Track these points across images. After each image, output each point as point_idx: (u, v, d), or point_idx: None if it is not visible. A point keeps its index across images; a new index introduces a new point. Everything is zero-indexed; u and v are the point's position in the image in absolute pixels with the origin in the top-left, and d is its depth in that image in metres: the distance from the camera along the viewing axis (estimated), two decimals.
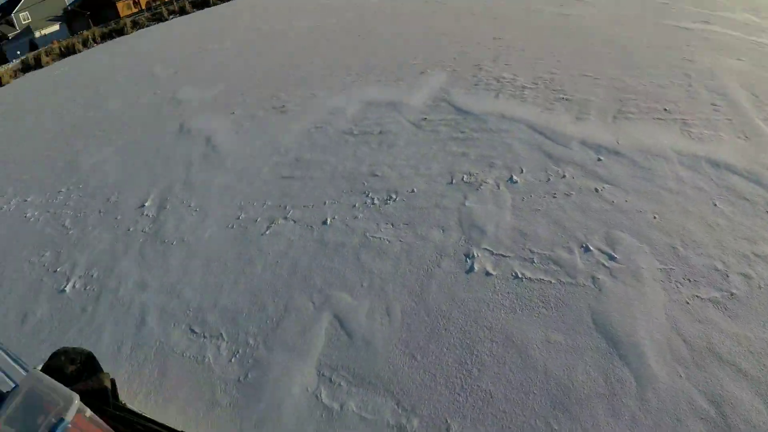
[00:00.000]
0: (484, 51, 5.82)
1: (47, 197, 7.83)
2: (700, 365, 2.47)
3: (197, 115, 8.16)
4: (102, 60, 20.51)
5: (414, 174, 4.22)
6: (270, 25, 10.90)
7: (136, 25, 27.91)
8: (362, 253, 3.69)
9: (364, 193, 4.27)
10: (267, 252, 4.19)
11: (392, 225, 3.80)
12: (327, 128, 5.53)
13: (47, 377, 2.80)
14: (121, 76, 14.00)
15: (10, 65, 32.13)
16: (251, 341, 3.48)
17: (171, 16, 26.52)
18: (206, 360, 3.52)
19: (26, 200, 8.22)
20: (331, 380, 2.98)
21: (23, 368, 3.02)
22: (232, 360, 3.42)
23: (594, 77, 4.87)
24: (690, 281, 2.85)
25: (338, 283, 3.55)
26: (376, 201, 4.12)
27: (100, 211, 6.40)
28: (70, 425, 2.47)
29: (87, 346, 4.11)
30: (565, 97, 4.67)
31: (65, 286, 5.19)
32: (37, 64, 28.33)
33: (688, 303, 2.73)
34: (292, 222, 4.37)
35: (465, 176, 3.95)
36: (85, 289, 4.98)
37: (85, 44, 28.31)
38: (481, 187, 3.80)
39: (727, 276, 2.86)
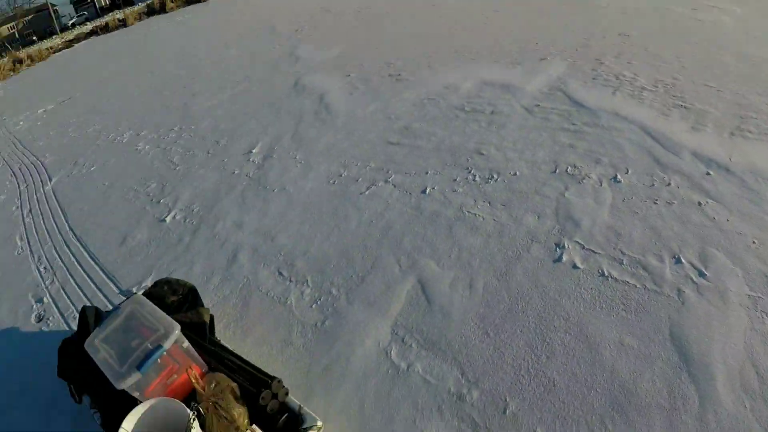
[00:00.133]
0: (608, 46, 5.71)
1: (159, 134, 8.22)
2: None
3: (313, 73, 8.33)
4: (226, 11, 21.10)
5: (519, 158, 4.21)
6: None
7: None
8: (455, 226, 3.73)
9: (467, 169, 4.30)
10: (363, 211, 4.30)
11: (489, 204, 3.83)
12: (439, 101, 5.56)
13: (150, 303, 2.92)
14: (243, 27, 14.40)
15: (135, 8, 33.54)
16: (334, 291, 3.60)
17: None
18: (288, 302, 3.67)
19: (139, 134, 8.66)
20: (403, 340, 3.06)
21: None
22: (313, 306, 3.55)
23: (717, 89, 4.72)
24: None
25: (427, 250, 3.62)
26: (477, 178, 4.14)
27: (208, 152, 6.67)
28: (165, 353, 2.59)
29: (179, 273, 4.38)
30: (683, 104, 4.55)
31: (166, 217, 5.47)
32: (162, 9, 29.48)
33: None
34: (392, 186, 4.46)
35: (569, 168, 3.92)
36: (184, 221, 5.24)
37: None
38: (584, 181, 3.78)
39: None
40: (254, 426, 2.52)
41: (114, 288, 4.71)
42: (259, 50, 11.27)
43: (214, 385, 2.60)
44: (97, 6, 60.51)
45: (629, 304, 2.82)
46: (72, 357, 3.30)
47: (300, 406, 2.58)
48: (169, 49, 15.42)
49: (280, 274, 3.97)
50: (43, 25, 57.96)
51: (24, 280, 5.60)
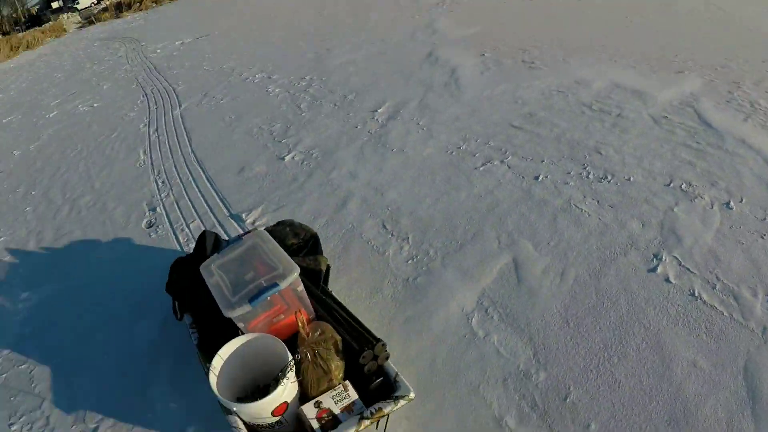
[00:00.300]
0: (749, 71, 5.54)
1: (290, 80, 8.57)
2: None
3: (448, 47, 8.43)
4: None
5: (636, 164, 4.22)
6: None
7: None
8: (560, 216, 3.82)
9: (583, 165, 4.35)
10: (474, 184, 4.43)
11: (597, 202, 3.88)
12: (568, 95, 5.59)
13: (272, 241, 3.01)
14: None
15: None
16: (431, 253, 3.77)
17: None
18: (386, 254, 3.87)
19: (270, 77, 9.05)
20: (486, 311, 3.19)
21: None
22: (409, 262, 3.74)
23: None
24: None
25: (528, 233, 3.73)
26: (591, 176, 4.19)
27: (335, 104, 6.93)
28: (278, 293, 2.65)
29: (288, 209, 4.68)
30: None
31: (285, 156, 5.77)
32: None
33: None
34: (507, 167, 4.56)
35: (684, 184, 3.91)
36: (302, 163, 5.51)
37: None
38: (695, 200, 3.76)
39: None
40: (347, 382, 2.57)
41: (225, 211, 5.06)
42: (399, 18, 11.42)
43: (318, 333, 2.66)
44: None
45: (712, 328, 2.83)
46: (183, 275, 3.50)
47: (397, 373, 2.61)
48: (310, 4, 15.79)
49: (384, 227, 4.18)
50: None
51: (141, 189, 6.07)
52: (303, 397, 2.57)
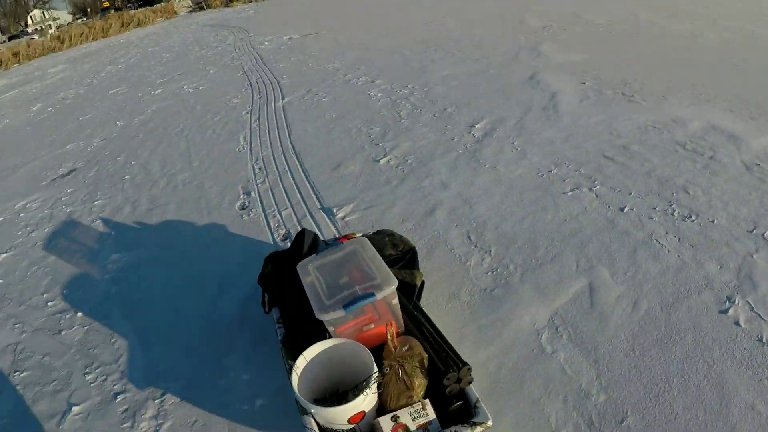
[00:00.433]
0: None
1: (393, 86, 8.83)
2: None
3: (551, 71, 8.51)
4: None
5: (722, 207, 4.27)
6: (674, 24, 10.72)
7: None
8: (640, 249, 3.91)
9: (669, 202, 4.42)
10: (561, 208, 4.58)
11: (679, 239, 3.95)
12: (663, 132, 5.62)
13: (373, 250, 3.06)
14: (491, 13, 14.60)
15: None
16: (511, 267, 3.93)
17: None
18: (468, 263, 4.06)
19: (374, 82, 9.34)
20: (557, 329, 3.33)
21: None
22: (488, 273, 3.91)
23: None
24: None
25: (607, 261, 3.84)
26: (675, 213, 4.26)
27: (434, 115, 7.15)
28: (372, 303, 2.68)
29: (378, 209, 4.94)
30: None
31: (381, 159, 6.02)
32: None
33: None
34: (594, 195, 4.68)
35: (767, 233, 3.97)
36: (396, 167, 5.75)
37: None
38: None
39: None
40: (426, 400, 2.56)
41: (317, 203, 5.35)
42: (505, 37, 11.50)
43: (406, 348, 2.68)
44: None
45: None
46: (278, 270, 3.58)
47: (478, 399, 2.60)
48: (417, 16, 16.02)
49: (469, 237, 4.37)
50: None
51: (238, 173, 6.46)
52: (380, 409, 2.60)
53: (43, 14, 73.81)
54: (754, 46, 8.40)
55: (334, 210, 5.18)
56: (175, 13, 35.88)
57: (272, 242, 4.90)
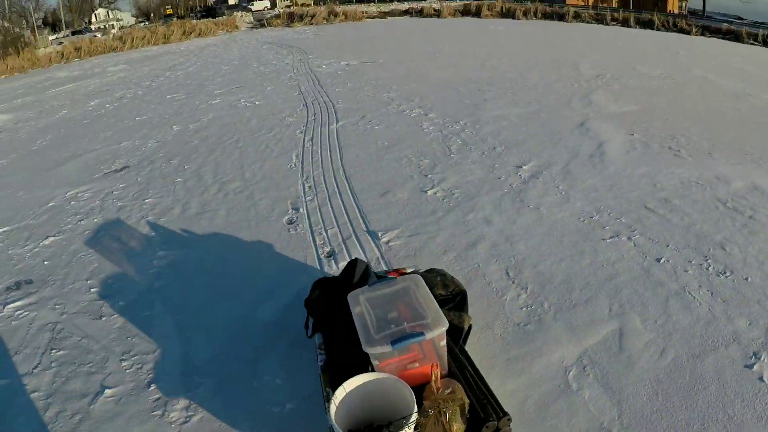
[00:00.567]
0: None
1: (445, 121, 9.04)
2: None
3: (601, 120, 8.69)
4: (531, 33, 21.51)
5: (757, 266, 4.36)
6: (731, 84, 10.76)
7: (578, 17, 28.68)
8: (672, 299, 4.03)
9: (705, 257, 4.53)
10: (599, 253, 4.72)
11: (711, 294, 4.06)
12: (706, 188, 5.74)
13: (426, 289, 3.05)
14: (547, 57, 14.78)
15: (452, 3, 35.37)
16: (546, 306, 4.08)
17: (613, 23, 26.78)
18: (504, 297, 4.22)
19: (427, 115, 9.57)
20: (584, 368, 3.45)
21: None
22: (523, 309, 4.06)
23: None
24: None
25: (639, 308, 3.97)
26: (710, 268, 4.37)
27: (483, 153, 7.35)
28: (419, 344, 2.68)
29: (421, 238, 5.14)
30: None
31: (428, 190, 6.21)
32: (476, 13, 30.99)
33: None
34: (633, 244, 4.81)
35: None
36: (442, 199, 5.94)
37: (526, 14, 30.12)
38: None
39: None
40: None
41: (363, 225, 5.53)
42: (558, 82, 11.72)
43: (449, 391, 2.65)
44: None
45: None
46: (326, 296, 3.59)
47: None
48: (474, 55, 16.27)
49: (507, 273, 4.53)
50: None
51: (288, 188, 6.69)
52: None
53: (108, 13, 75.65)
54: None
55: (379, 234, 5.35)
56: (237, 27, 36.69)
57: (316, 258, 5.08)
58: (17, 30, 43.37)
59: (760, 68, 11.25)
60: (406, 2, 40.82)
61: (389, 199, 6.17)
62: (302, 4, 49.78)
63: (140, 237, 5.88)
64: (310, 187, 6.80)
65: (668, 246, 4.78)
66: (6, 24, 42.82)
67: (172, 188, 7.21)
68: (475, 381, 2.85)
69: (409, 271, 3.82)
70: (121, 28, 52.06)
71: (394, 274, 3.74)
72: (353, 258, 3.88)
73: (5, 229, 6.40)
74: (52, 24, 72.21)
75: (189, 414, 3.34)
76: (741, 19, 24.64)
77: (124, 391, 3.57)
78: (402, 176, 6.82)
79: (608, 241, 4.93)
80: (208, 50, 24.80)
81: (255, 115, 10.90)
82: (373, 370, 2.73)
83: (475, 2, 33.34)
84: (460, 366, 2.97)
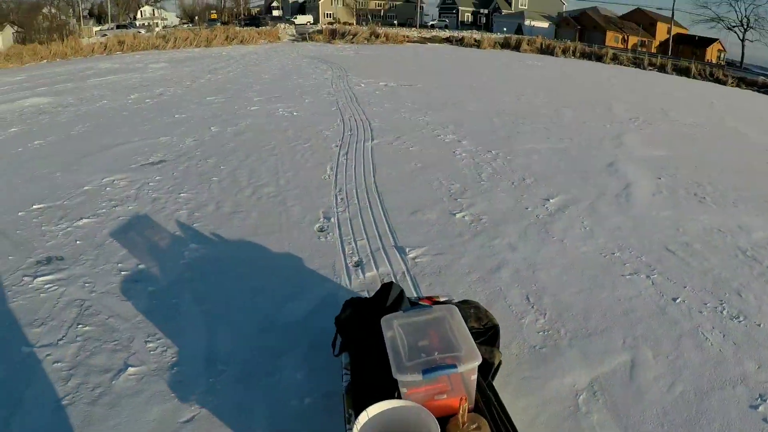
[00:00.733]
0: None
1: (478, 149, 9.25)
2: None
3: (630, 162, 8.87)
4: (568, 71, 21.69)
5: None
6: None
7: (615, 59, 28.90)
8: (685, 337, 4.18)
9: (720, 300, 4.68)
10: (617, 288, 4.88)
11: (723, 336, 4.20)
12: (727, 236, 5.91)
13: (462, 321, 3.00)
14: (581, 95, 15.00)
15: (493, 35, 35.88)
16: (562, 332, 4.24)
17: (650, 68, 26.94)
18: (522, 320, 4.38)
19: (460, 141, 9.82)
20: (594, 393, 3.59)
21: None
22: (540, 333, 4.22)
23: None
24: None
25: (652, 343, 4.11)
26: (724, 312, 4.52)
27: (512, 183, 7.54)
28: (448, 376, 2.64)
29: (447, 257, 5.27)
30: None
31: (457, 213, 6.41)
32: (516, 47, 31.44)
33: None
34: (651, 282, 4.97)
35: None
36: (470, 223, 6.13)
37: (564, 52, 30.51)
38: None
39: None
40: None
41: (391, 240, 5.70)
42: (591, 122, 11.95)
43: (474, 426, 2.62)
44: (459, 19, 65.51)
45: None
46: (357, 316, 3.54)
47: None
48: (511, 89, 16.51)
49: (527, 299, 4.70)
50: (406, 15, 64.49)
51: (321, 198, 6.89)
52: None
53: (153, 11, 76.82)
54: None
55: (407, 250, 5.52)
56: (279, 38, 37.27)
57: (344, 266, 5.25)
58: (63, 18, 44.41)
59: None
60: (447, 30, 41.25)
61: (419, 218, 6.35)
62: (345, 23, 50.51)
63: (173, 229, 6.06)
64: (342, 199, 7.00)
65: (685, 287, 4.92)
66: (53, 11, 43.85)
67: (207, 186, 7.42)
68: (501, 419, 2.81)
69: (442, 299, 3.77)
70: (165, 27, 52.90)
71: (427, 301, 3.68)
72: (388, 281, 3.87)
73: (41, 206, 6.59)
74: (98, 16, 73.73)
75: (208, 398, 3.46)
76: None
77: (147, 371, 3.70)
78: (432, 198, 7.02)
79: (627, 277, 5.08)
80: (249, 57, 25.22)
81: (292, 125, 11.17)
82: (399, 397, 2.68)
83: (516, 36, 33.77)
84: (487, 402, 2.92)
